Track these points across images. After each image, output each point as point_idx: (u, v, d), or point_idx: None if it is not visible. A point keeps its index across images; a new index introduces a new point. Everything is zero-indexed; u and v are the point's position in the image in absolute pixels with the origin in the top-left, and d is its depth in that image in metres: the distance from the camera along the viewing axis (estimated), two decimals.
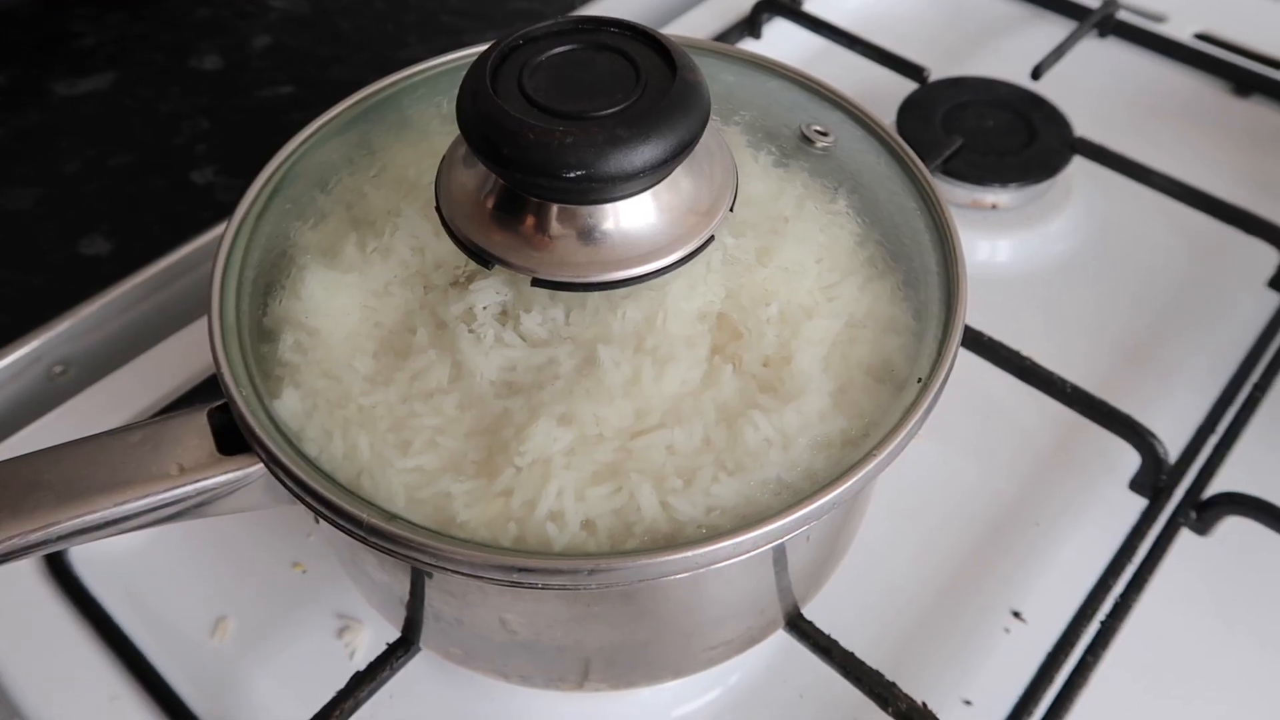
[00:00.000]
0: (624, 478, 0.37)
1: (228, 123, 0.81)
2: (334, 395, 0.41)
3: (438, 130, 0.52)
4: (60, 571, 0.57)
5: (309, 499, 0.38)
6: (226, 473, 0.39)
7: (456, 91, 0.40)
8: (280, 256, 0.48)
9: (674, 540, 0.37)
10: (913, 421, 0.40)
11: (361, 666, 0.50)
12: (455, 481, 0.38)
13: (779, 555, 0.42)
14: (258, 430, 0.39)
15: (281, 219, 0.50)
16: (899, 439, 0.39)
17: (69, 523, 0.38)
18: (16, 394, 0.69)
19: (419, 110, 0.54)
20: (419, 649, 0.49)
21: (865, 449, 0.40)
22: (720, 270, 0.44)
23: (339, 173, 0.52)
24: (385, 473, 0.38)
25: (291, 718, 0.48)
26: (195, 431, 0.41)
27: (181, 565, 0.61)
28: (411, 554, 0.36)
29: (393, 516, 0.37)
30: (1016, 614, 0.58)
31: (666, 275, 0.41)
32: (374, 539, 0.37)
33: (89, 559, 0.59)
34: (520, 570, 0.35)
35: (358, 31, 0.88)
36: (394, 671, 0.49)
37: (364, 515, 0.36)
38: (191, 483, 0.39)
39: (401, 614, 0.46)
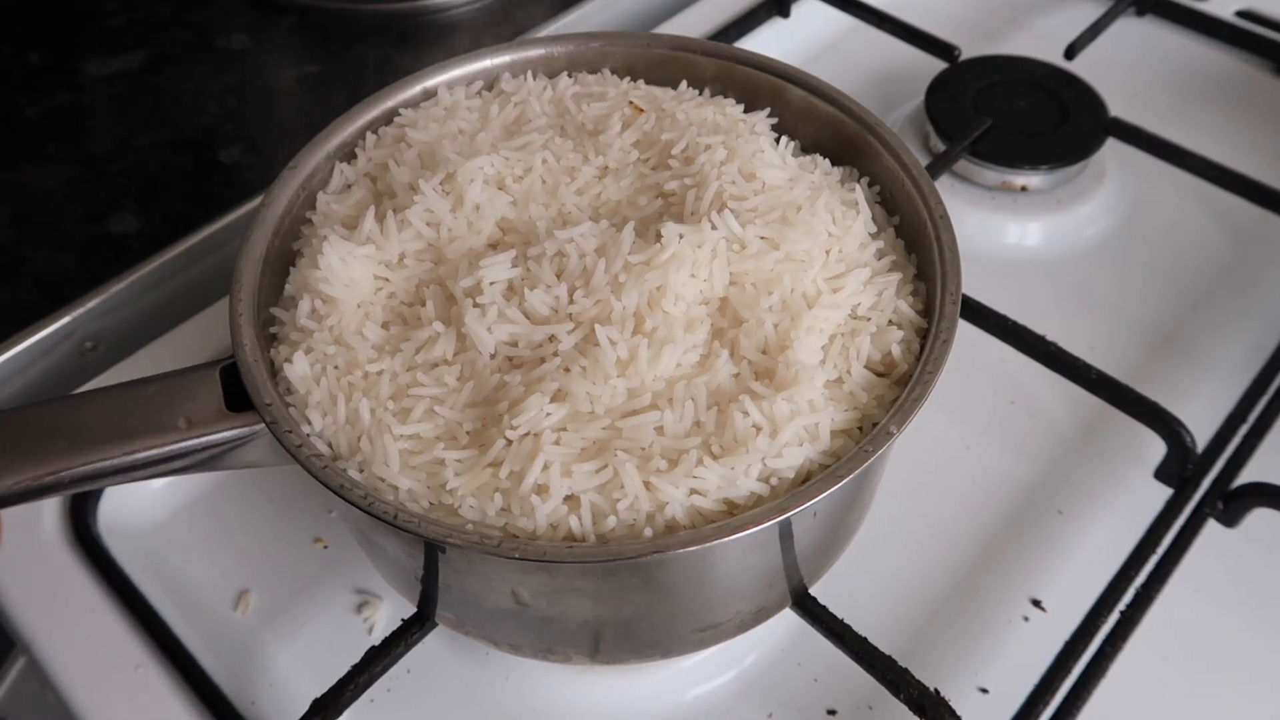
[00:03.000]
0: (610, 456, 0.38)
1: (255, 102, 0.82)
2: (343, 361, 0.42)
3: (464, 115, 0.53)
4: (87, 543, 0.58)
5: (300, 459, 0.39)
6: (233, 428, 0.41)
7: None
8: (306, 225, 0.49)
9: (652, 520, 0.37)
10: (905, 420, 0.40)
11: (378, 642, 0.51)
12: (448, 450, 0.38)
13: (773, 537, 0.41)
14: (260, 389, 0.40)
15: (309, 189, 0.51)
16: (879, 450, 0.39)
17: (80, 469, 0.40)
18: (48, 369, 0.70)
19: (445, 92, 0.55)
20: (435, 624, 0.49)
21: (857, 442, 0.40)
22: (726, 255, 0.44)
23: (365, 147, 0.52)
24: (383, 438, 0.39)
25: (310, 691, 0.49)
26: (207, 388, 0.42)
27: (205, 538, 0.62)
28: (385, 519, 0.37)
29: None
30: (1036, 602, 0.57)
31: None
32: (345, 498, 0.38)
33: (114, 530, 0.60)
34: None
35: (378, 15, 0.89)
36: (409, 647, 0.49)
37: (341, 482, 0.37)
38: (198, 436, 0.41)
39: (416, 588, 0.47)
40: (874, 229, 0.50)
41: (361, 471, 0.40)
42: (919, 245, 0.48)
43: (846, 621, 0.49)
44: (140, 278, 0.70)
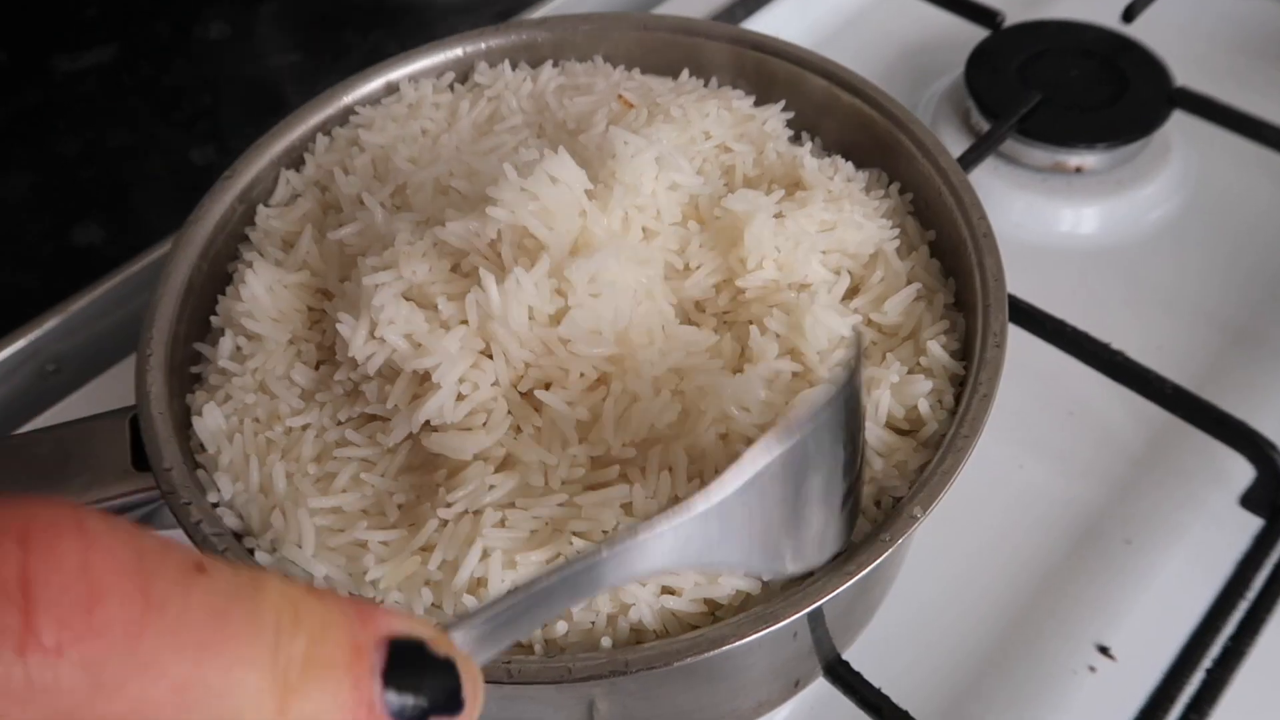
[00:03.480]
0: (564, 542, 0.31)
1: (231, 97, 0.76)
2: (263, 413, 0.36)
3: (429, 113, 0.46)
4: None
5: (195, 539, 0.33)
6: (137, 492, 0.34)
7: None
8: (244, 244, 0.43)
9: (614, 624, 0.31)
10: (933, 501, 0.32)
11: None
12: (371, 529, 0.32)
13: (785, 634, 0.34)
14: (160, 450, 0.34)
15: (250, 201, 0.44)
16: (897, 540, 0.32)
17: None
18: (9, 393, 0.65)
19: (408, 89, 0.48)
20: None
21: (871, 520, 0.33)
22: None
23: (316, 151, 0.46)
24: (297, 513, 0.33)
25: None
26: (113, 441, 0.36)
27: None
28: None
29: None
30: (1104, 649, 0.50)
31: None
32: None
33: None
34: None
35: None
36: None
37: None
38: (97, 500, 0.34)
39: None
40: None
41: (273, 552, 0.34)
42: (957, 268, 0.41)
43: (884, 691, 0.42)
44: (103, 294, 0.64)
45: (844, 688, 0.42)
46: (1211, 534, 0.52)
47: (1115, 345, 0.54)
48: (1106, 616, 0.51)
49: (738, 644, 0.29)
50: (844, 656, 0.43)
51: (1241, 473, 0.51)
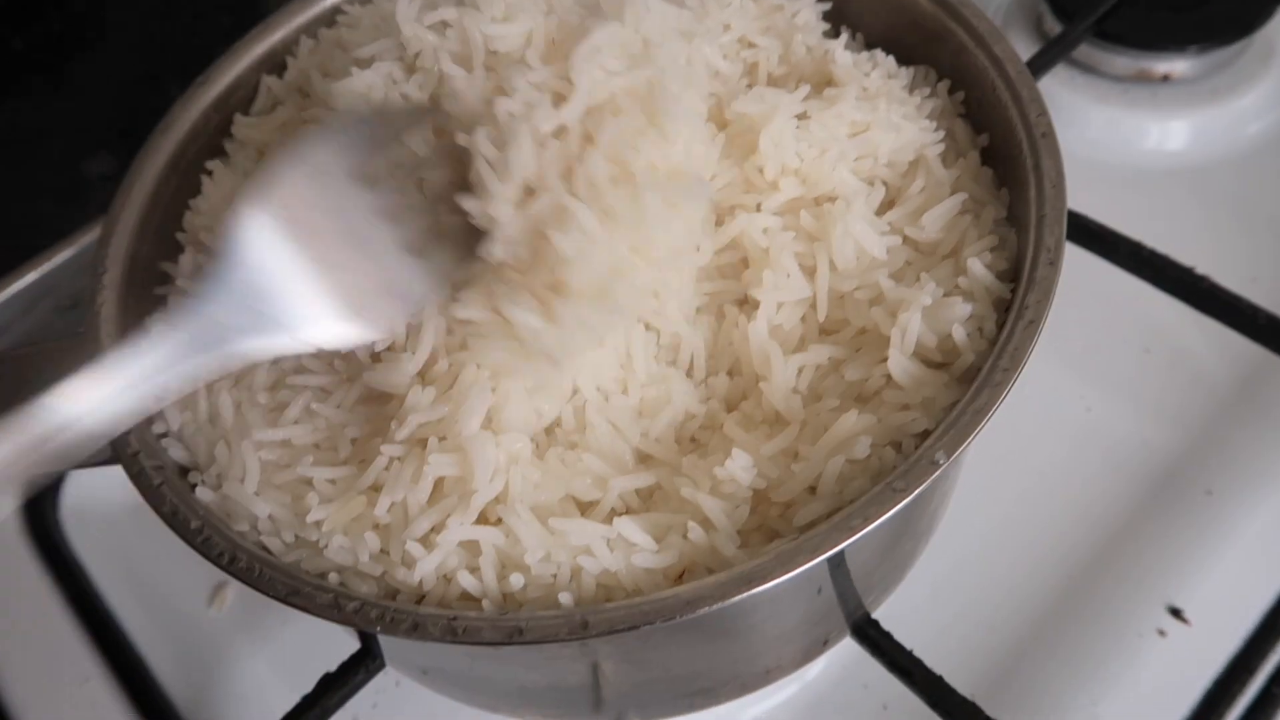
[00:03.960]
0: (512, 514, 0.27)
1: (251, 19, 0.72)
2: None
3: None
4: (43, 537, 0.52)
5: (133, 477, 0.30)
6: None
7: None
8: (220, 155, 0.40)
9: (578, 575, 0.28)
10: (959, 445, 0.28)
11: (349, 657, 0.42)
12: (317, 465, 0.28)
13: (803, 583, 0.30)
14: None
15: (228, 109, 0.41)
16: (914, 489, 0.27)
17: None
18: (30, 329, 0.64)
19: None
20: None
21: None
22: None
23: (299, 55, 0.42)
24: (241, 446, 0.30)
25: (281, 705, 0.41)
26: (67, 366, 0.33)
27: None
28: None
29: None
30: (1176, 612, 0.45)
31: None
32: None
33: (81, 516, 0.54)
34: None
35: None
36: (370, 675, 0.40)
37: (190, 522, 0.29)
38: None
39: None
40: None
41: (217, 489, 0.30)
42: (1012, 177, 0.35)
43: (917, 654, 0.38)
44: None
45: (872, 649, 0.38)
46: None
47: (1201, 271, 0.47)
48: (1180, 575, 0.46)
49: (716, 607, 0.25)
50: (874, 615, 0.38)
51: None
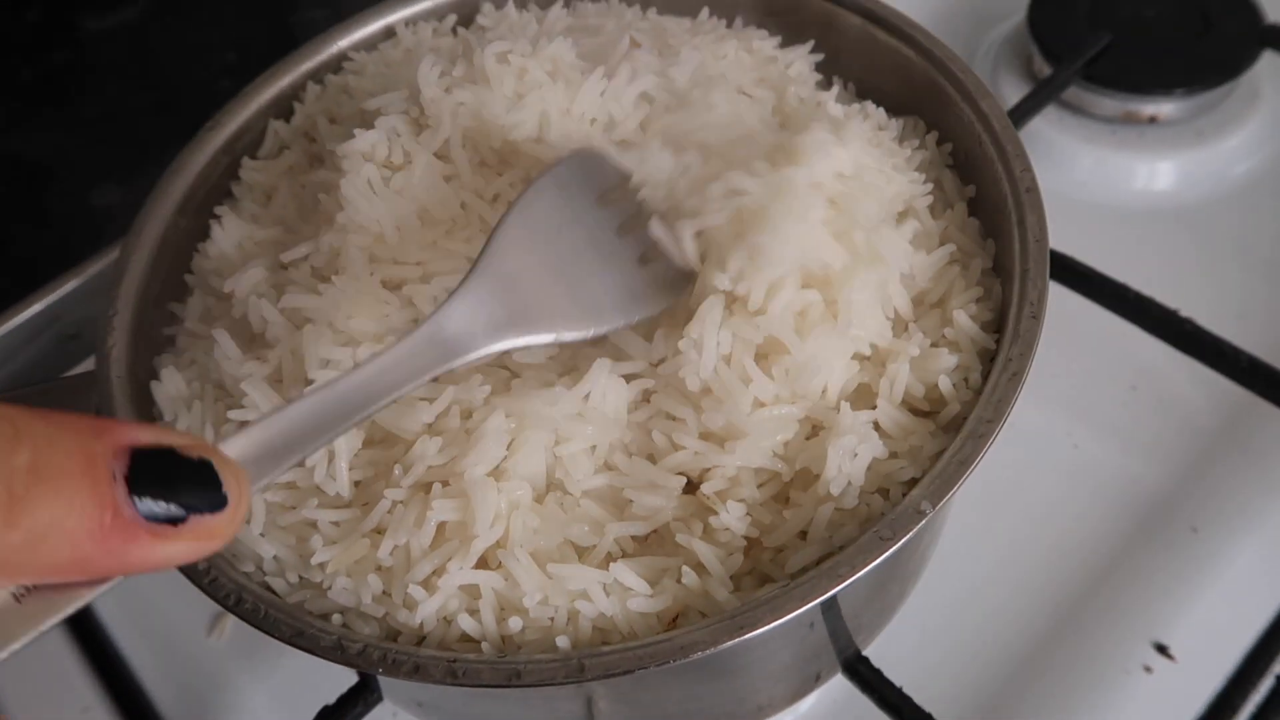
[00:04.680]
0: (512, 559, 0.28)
1: (254, 54, 0.74)
2: (227, 379, 0.33)
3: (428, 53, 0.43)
4: None
5: None
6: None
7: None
8: (227, 198, 0.41)
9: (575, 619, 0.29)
10: (944, 495, 0.29)
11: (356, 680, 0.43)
12: (321, 507, 0.29)
13: (794, 625, 0.31)
14: (115, 416, 0.32)
15: (236, 153, 0.42)
16: (900, 538, 0.28)
17: None
18: (32, 359, 0.64)
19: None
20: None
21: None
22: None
23: (306, 99, 0.43)
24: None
25: None
26: (75, 404, 0.34)
27: None
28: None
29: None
30: (1161, 648, 0.46)
31: None
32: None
33: None
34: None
35: None
36: (368, 708, 0.41)
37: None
38: None
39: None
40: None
41: None
42: (998, 228, 0.36)
43: (907, 691, 0.39)
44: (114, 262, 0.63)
45: (863, 686, 0.39)
46: None
47: (1188, 314, 0.48)
48: (1166, 612, 0.47)
49: (709, 652, 0.26)
50: (865, 653, 0.39)
51: None
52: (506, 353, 0.31)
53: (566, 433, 0.30)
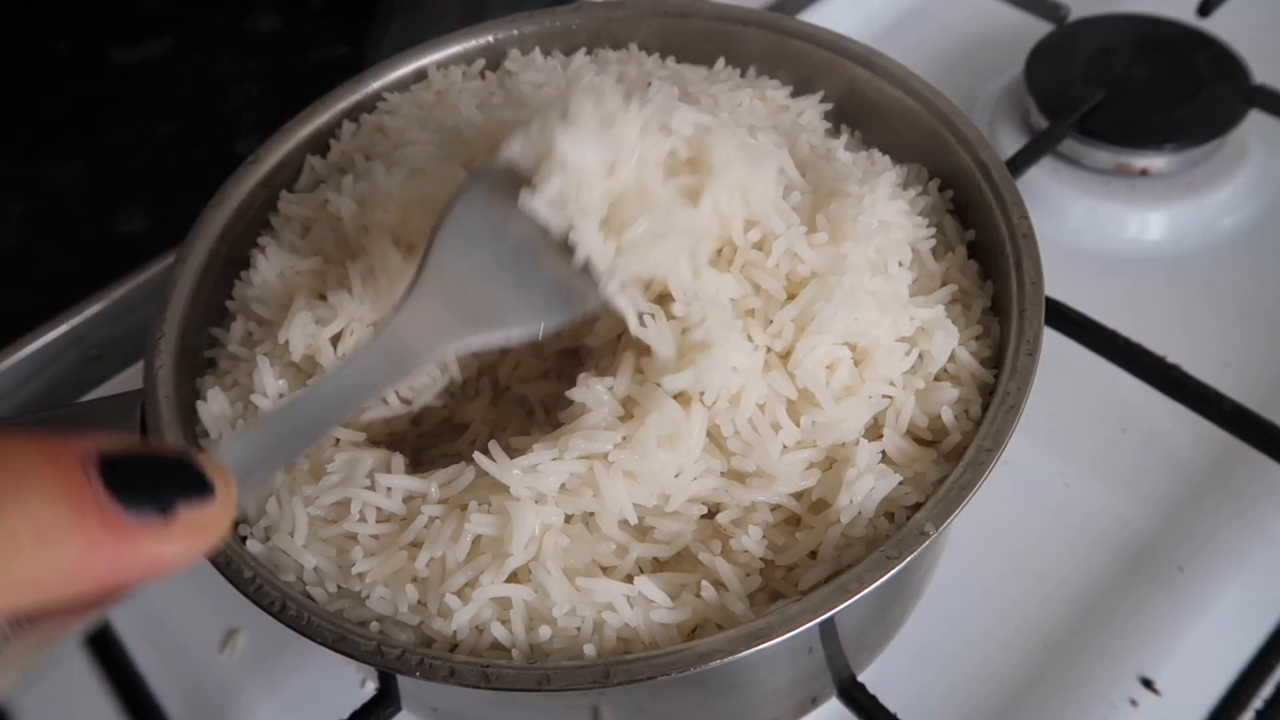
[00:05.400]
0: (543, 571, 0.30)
1: (277, 88, 0.76)
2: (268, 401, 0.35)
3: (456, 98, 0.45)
4: None
5: None
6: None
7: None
8: (265, 229, 0.43)
9: (600, 629, 0.30)
10: (947, 517, 0.30)
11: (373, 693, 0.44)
12: (362, 521, 0.31)
13: (784, 649, 0.33)
14: (162, 432, 0.34)
15: (274, 186, 0.44)
16: (905, 557, 0.30)
17: None
18: (54, 377, 0.66)
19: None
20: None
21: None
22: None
23: (341, 137, 0.45)
24: (292, 501, 0.32)
25: None
26: (121, 422, 0.36)
27: (196, 573, 0.56)
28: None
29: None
30: (1148, 683, 0.47)
31: None
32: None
33: None
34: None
35: None
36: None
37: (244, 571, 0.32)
38: None
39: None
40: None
41: (266, 541, 0.33)
42: (996, 270, 0.38)
43: (900, 716, 0.40)
44: (145, 281, 0.65)
45: (857, 710, 0.40)
46: (1272, 563, 0.49)
47: (1175, 360, 0.50)
48: (1153, 648, 0.48)
49: (726, 660, 0.27)
50: (860, 678, 0.41)
51: None
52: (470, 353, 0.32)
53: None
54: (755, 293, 0.34)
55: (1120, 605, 0.49)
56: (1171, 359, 0.50)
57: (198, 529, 0.20)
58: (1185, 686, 0.46)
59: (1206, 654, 0.47)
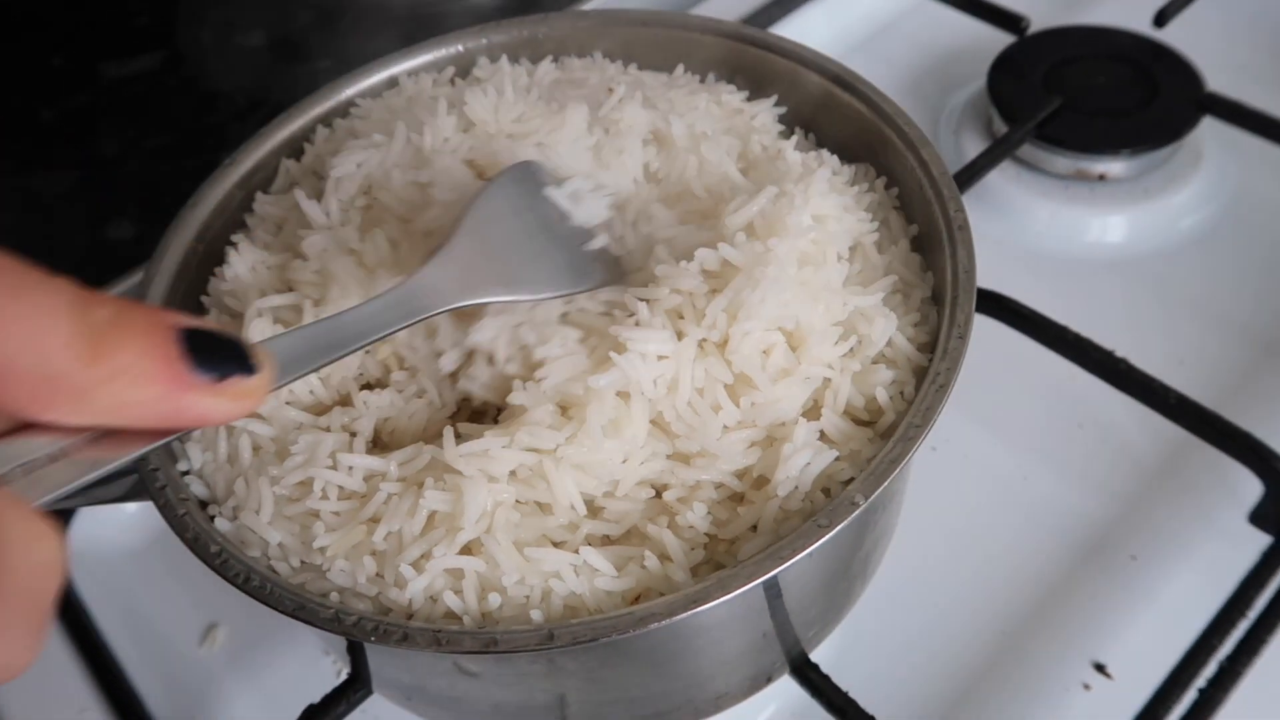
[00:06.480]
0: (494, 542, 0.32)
1: (264, 101, 0.78)
2: None
3: (427, 104, 0.47)
4: None
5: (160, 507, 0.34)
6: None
7: None
8: (241, 228, 0.44)
9: (548, 596, 0.32)
10: (876, 488, 0.32)
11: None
12: (325, 499, 0.32)
13: (761, 599, 0.34)
14: None
15: (250, 187, 0.46)
16: (836, 525, 0.32)
17: None
18: None
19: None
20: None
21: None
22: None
23: (315, 141, 0.47)
24: (259, 481, 0.34)
25: None
26: None
27: (178, 567, 0.58)
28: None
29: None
30: (1100, 667, 0.48)
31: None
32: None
33: (83, 556, 0.57)
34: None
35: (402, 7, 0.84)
36: (351, 707, 0.44)
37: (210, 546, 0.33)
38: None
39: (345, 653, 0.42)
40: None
41: (234, 519, 0.34)
42: (935, 263, 0.40)
43: (852, 695, 0.41)
44: (133, 287, 0.66)
45: (810, 689, 0.42)
46: (1219, 551, 0.50)
47: (1132, 357, 0.52)
48: (1106, 633, 0.49)
49: (665, 623, 0.29)
50: (813, 657, 0.42)
51: (1252, 489, 0.49)
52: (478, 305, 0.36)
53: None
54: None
55: (1074, 592, 0.51)
56: (1129, 356, 0.52)
57: (241, 394, 0.26)
58: (1137, 670, 0.47)
59: (1156, 638, 0.48)
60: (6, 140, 0.78)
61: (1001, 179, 0.67)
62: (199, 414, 0.25)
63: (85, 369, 0.23)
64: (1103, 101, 0.68)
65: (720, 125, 0.45)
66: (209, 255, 0.43)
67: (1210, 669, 0.43)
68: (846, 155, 0.46)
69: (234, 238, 0.42)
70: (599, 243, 0.40)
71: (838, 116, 0.47)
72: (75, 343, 0.23)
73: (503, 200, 0.38)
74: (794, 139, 0.45)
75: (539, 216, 0.39)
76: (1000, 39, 0.73)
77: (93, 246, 0.71)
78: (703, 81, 0.50)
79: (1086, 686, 0.48)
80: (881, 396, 0.35)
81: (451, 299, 0.34)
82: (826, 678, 0.42)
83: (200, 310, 0.43)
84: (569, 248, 0.39)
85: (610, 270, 0.39)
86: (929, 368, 0.36)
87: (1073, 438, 0.57)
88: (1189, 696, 0.43)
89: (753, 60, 0.50)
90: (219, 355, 0.25)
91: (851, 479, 0.33)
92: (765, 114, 0.47)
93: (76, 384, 0.23)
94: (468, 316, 0.37)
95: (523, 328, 0.37)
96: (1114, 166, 0.66)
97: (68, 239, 0.72)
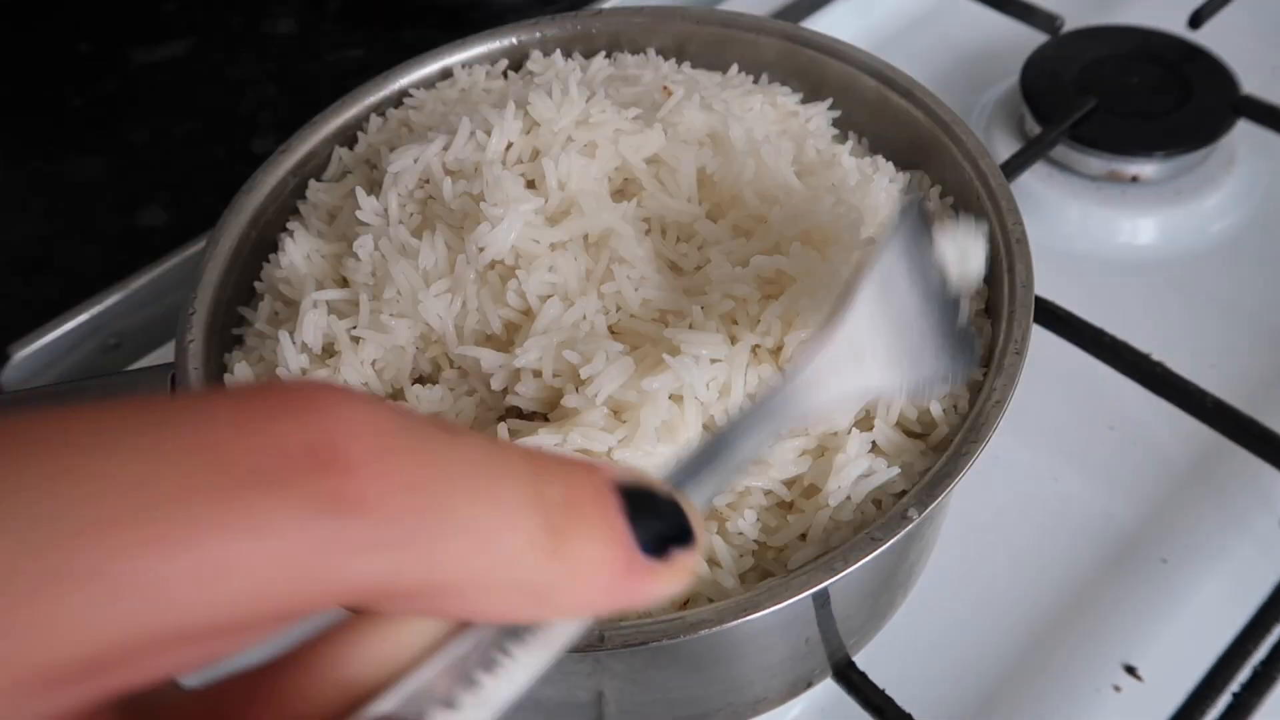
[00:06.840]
0: None
1: (293, 89, 0.78)
2: (294, 374, 0.37)
3: (480, 96, 0.47)
4: None
5: None
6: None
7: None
8: (293, 215, 0.45)
9: None
10: (929, 503, 0.32)
11: None
12: None
13: (810, 608, 0.34)
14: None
15: (303, 175, 0.46)
16: (888, 539, 0.31)
17: None
18: (74, 364, 0.68)
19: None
20: None
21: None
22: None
23: (369, 130, 0.47)
24: None
25: None
26: (152, 392, 0.37)
27: None
28: None
29: None
30: (1131, 669, 0.49)
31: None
32: None
33: None
34: None
35: None
36: None
37: None
38: None
39: None
40: None
41: None
42: (990, 274, 0.40)
43: (889, 694, 0.42)
44: (164, 273, 0.67)
45: (849, 688, 0.42)
46: (1252, 555, 0.50)
47: (1164, 359, 0.52)
48: (1136, 636, 0.50)
49: (715, 630, 0.29)
50: (854, 659, 0.42)
51: None
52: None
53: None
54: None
55: (1105, 595, 0.51)
56: (1160, 358, 0.52)
57: (682, 571, 0.20)
58: (1168, 673, 0.47)
59: (1187, 641, 0.48)
60: (37, 127, 0.78)
61: (1034, 180, 0.67)
62: (642, 602, 0.20)
63: (547, 565, 0.18)
64: (1137, 103, 0.67)
65: (775, 128, 0.45)
66: (261, 242, 0.44)
67: (1245, 673, 0.44)
68: (900, 161, 0.46)
69: (289, 225, 0.42)
70: (966, 312, 0.33)
71: (892, 123, 0.47)
72: (539, 537, 0.18)
73: (903, 260, 0.31)
74: (849, 144, 0.45)
75: (929, 281, 0.32)
76: (1032, 37, 0.73)
77: (123, 233, 0.71)
78: (756, 82, 0.50)
79: (1117, 688, 0.48)
80: (935, 410, 0.36)
81: (837, 395, 0.28)
82: (864, 676, 0.42)
83: (251, 295, 0.43)
84: (948, 319, 0.32)
85: (977, 344, 0.33)
86: (983, 382, 0.36)
87: (1104, 440, 0.57)
88: (1223, 700, 0.43)
89: (805, 62, 0.50)
90: (659, 524, 0.20)
91: (903, 491, 0.33)
92: (820, 118, 0.47)
93: (537, 586, 0.18)
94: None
95: (566, 348, 0.36)
96: (1147, 168, 0.66)
97: (98, 225, 0.72)
